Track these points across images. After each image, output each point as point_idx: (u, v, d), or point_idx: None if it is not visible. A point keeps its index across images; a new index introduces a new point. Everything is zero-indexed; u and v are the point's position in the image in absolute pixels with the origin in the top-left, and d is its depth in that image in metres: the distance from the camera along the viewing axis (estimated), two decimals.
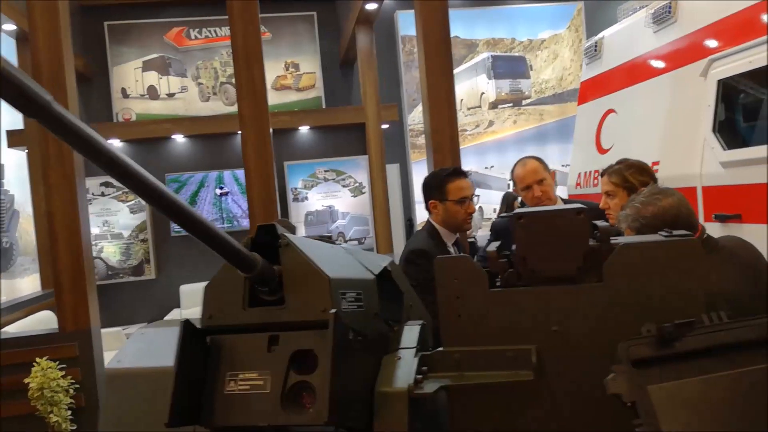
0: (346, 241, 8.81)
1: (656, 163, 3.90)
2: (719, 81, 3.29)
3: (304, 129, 9.22)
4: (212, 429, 0.99)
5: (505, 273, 1.14)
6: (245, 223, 8.69)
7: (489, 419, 1.10)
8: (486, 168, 11.41)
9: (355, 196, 9.17)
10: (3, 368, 4.28)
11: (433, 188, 2.67)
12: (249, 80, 4.02)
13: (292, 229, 1.10)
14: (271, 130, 4.30)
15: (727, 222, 3.23)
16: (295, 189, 9.03)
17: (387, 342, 1.16)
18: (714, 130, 3.32)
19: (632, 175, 2.39)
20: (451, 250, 2.64)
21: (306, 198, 9.01)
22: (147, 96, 9.96)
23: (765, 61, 2.94)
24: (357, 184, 9.19)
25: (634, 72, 4.33)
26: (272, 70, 10.55)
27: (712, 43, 3.41)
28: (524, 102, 14.17)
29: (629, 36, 4.50)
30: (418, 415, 1.06)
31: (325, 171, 9.10)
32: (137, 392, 1.14)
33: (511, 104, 14.58)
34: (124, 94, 9.82)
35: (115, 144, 8.50)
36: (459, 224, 2.64)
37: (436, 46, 4.15)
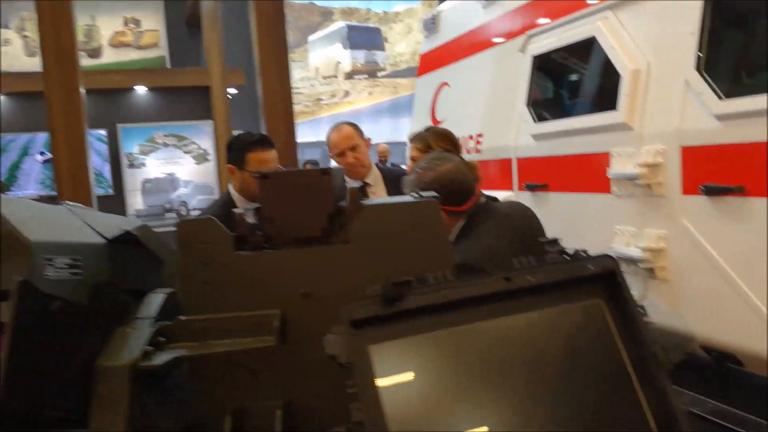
0: (189, 211, 8.42)
1: (480, 135, 4.08)
2: (534, 56, 3.49)
3: (141, 90, 8.61)
4: None
5: (252, 235, 1.08)
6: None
7: (234, 389, 1.04)
8: None
9: (198, 164, 8.77)
10: None
11: (234, 152, 2.49)
12: (52, 30, 3.62)
13: (3, 187, 0.96)
14: (83, 91, 3.90)
15: (536, 191, 3.45)
16: (131, 154, 8.44)
17: (126, 314, 1.06)
18: (527, 104, 3.52)
19: (435, 142, 2.45)
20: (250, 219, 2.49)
21: (143, 164, 8.46)
22: None
23: (574, 38, 3.14)
24: (201, 151, 8.78)
25: (465, 46, 4.48)
26: (109, 26, 9.75)
27: (530, 20, 3.60)
28: (379, 74, 14.33)
29: (462, 10, 4.63)
30: (151, 391, 0.98)
31: (165, 136, 8.58)
32: None
33: (366, 75, 14.67)
34: None
35: None
36: (254, 196, 2.48)
37: (268, 10, 4.00)
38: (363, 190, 1.17)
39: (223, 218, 1.12)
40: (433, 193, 1.14)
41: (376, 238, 1.07)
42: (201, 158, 8.86)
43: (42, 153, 8.11)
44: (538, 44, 3.51)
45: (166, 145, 8.60)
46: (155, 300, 1.09)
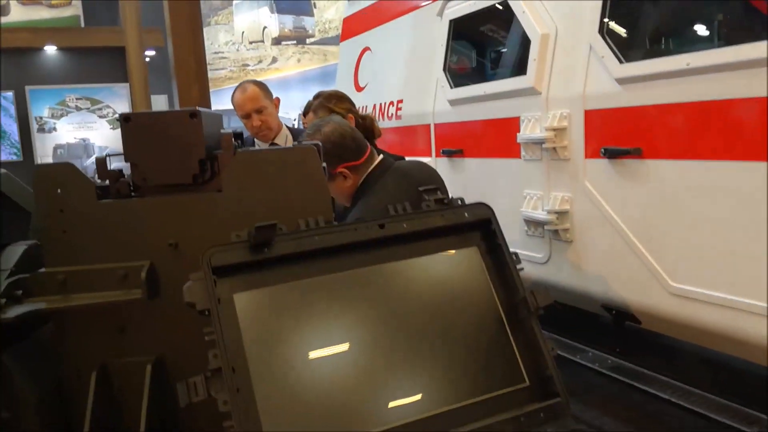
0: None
1: (400, 101, 4.06)
2: (451, 21, 3.48)
3: (50, 50, 8.10)
4: None
5: (116, 182, 1.03)
6: None
7: (100, 345, 0.99)
8: None
9: (114, 129, 8.38)
10: None
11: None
12: None
13: None
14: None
15: (453, 157, 3.48)
16: (41, 118, 7.97)
17: None
18: (444, 69, 3.52)
19: (336, 105, 2.43)
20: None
21: (54, 129, 8.01)
22: None
23: (489, 3, 3.15)
24: (116, 115, 8.38)
25: (386, 10, 4.42)
26: None
27: None
28: (308, 41, 14.04)
29: None
30: (5, 346, 0.92)
31: (78, 99, 8.14)
32: None
33: (294, 42, 14.35)
34: None
35: None
36: None
37: None
38: (239, 137, 1.13)
39: None
40: (316, 142, 1.12)
41: (251, 186, 1.04)
42: (116, 123, 8.47)
43: None
44: (454, 8, 3.50)
45: (78, 108, 8.15)
46: (14, 252, 1.03)
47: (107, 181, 1.06)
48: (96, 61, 8.29)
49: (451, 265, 1.05)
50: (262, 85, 2.75)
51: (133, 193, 1.05)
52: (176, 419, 1.01)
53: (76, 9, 9.42)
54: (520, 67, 2.90)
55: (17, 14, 9.06)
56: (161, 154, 1.02)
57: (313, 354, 0.91)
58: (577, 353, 3.01)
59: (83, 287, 0.99)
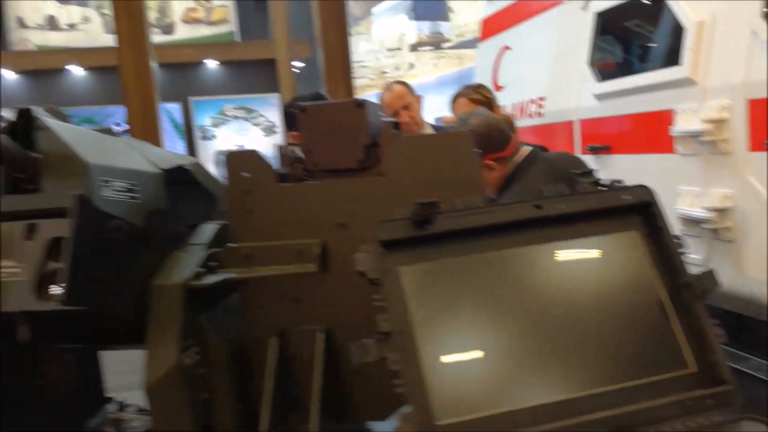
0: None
1: (542, 98, 3.99)
2: (597, 14, 3.37)
3: (211, 64, 8.87)
4: None
5: (293, 168, 1.14)
6: None
7: (278, 313, 1.11)
8: None
9: (266, 135, 9.00)
10: None
11: (293, 117, 2.59)
12: (124, 7, 3.80)
13: (64, 118, 1.05)
14: (154, 64, 4.08)
15: (599, 153, 3.36)
16: (203, 127, 8.75)
17: (181, 241, 1.14)
18: (590, 63, 3.41)
19: (483, 92, 2.48)
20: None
21: (214, 136, 8.75)
22: (47, 27, 9.29)
23: None
24: (269, 123, 8.99)
25: (527, 8, 4.38)
26: (182, 2, 10.04)
27: None
28: (444, 45, 14.14)
29: None
30: (204, 310, 1.05)
31: (235, 108, 8.84)
32: None
33: (431, 47, 14.52)
34: (21, 24, 9.12)
35: (9, 75, 7.94)
36: None
37: None
38: (397, 125, 1.20)
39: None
40: (467, 128, 1.16)
41: (410, 170, 1.10)
42: (268, 130, 9.09)
43: (118, 124, 8.50)
44: (601, 1, 3.39)
45: (236, 117, 8.87)
46: (207, 229, 1.17)
47: (285, 167, 1.17)
48: (250, 73, 8.96)
49: (610, 248, 1.04)
50: (406, 84, 2.86)
51: (306, 178, 1.15)
52: (342, 382, 1.09)
53: (232, 25, 10.23)
54: (672, 57, 2.75)
55: (182, 32, 10.02)
56: (331, 141, 1.11)
57: (472, 325, 0.95)
58: (739, 361, 2.79)
59: (265, 261, 1.10)
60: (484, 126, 1.81)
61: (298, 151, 1.12)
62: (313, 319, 1.10)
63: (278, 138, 9.08)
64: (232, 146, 8.85)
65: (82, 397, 1.28)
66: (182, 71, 7.73)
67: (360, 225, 1.09)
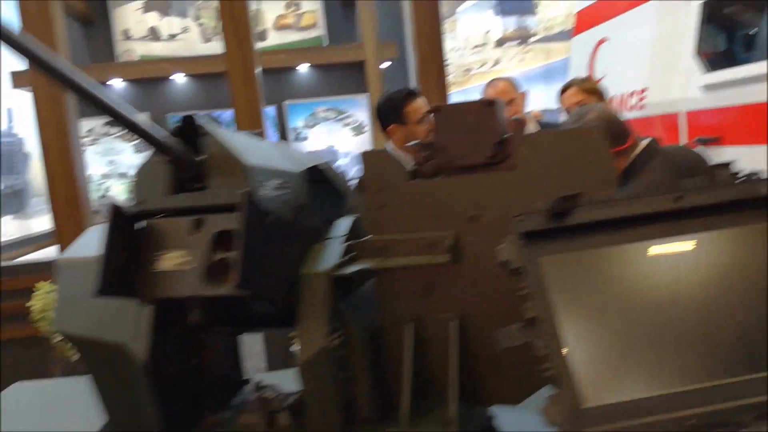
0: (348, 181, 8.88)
1: (643, 90, 3.89)
2: (703, 3, 3.24)
3: (303, 68, 9.16)
4: (144, 302, 1.08)
5: (425, 165, 1.20)
6: None
7: (412, 301, 1.17)
8: None
9: (356, 135, 9.19)
10: (5, 294, 4.51)
11: (390, 113, 2.64)
12: (231, 17, 4.01)
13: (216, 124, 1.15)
14: (259, 69, 4.30)
15: (709, 145, 3.23)
16: (296, 129, 9.05)
17: (318, 234, 1.22)
18: (696, 53, 3.29)
19: (592, 83, 2.50)
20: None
21: (307, 137, 9.04)
22: (149, 37, 9.89)
23: None
24: (357, 124, 9.18)
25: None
26: (273, 10, 10.41)
27: None
28: (531, 40, 13.88)
29: None
30: (343, 297, 1.13)
31: (325, 110, 9.09)
32: (84, 280, 1.20)
33: (517, 42, 14.29)
34: (126, 36, 9.76)
35: (117, 84, 8.52)
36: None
37: None
38: (522, 123, 1.24)
39: None
40: (597, 123, 1.18)
41: (540, 165, 1.13)
42: (357, 130, 9.28)
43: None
44: None
45: (326, 119, 9.11)
46: (343, 223, 1.25)
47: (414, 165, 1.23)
48: (339, 76, 9.17)
49: (748, 241, 1.04)
50: (510, 80, 2.88)
51: (436, 174, 1.20)
52: (474, 368, 1.14)
53: (320, 29, 10.49)
54: None
55: (274, 38, 10.38)
56: (463, 138, 1.16)
57: (608, 313, 0.97)
58: None
59: (398, 252, 1.16)
60: (603, 120, 1.81)
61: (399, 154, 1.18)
62: (444, 307, 1.16)
63: (367, 137, 9.25)
64: (323, 146, 9.11)
65: (227, 377, 1.39)
66: (276, 76, 8.02)
67: (491, 218, 1.13)
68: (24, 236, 7.92)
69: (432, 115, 1.17)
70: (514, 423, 1.26)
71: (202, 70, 8.72)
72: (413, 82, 10.24)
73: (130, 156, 8.80)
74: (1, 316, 4.58)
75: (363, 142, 9.29)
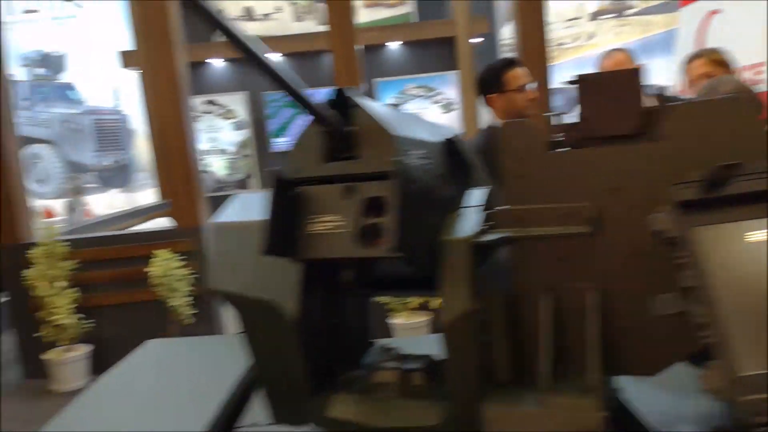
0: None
1: (760, 64, 3.66)
2: None
3: (393, 45, 9.17)
4: (299, 261, 1.15)
5: (565, 135, 1.21)
6: None
7: (548, 270, 1.18)
8: None
9: (445, 113, 9.15)
10: (127, 260, 4.88)
11: (490, 81, 2.68)
12: None
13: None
14: (360, 47, 4.39)
15: None
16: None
17: (453, 203, 1.26)
18: None
19: (721, 55, 2.39)
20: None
21: None
22: (244, 17, 10.19)
23: None
24: (447, 101, 9.13)
25: None
26: None
27: None
28: (628, 12, 13.25)
29: None
30: (481, 265, 1.16)
31: (415, 87, 9.09)
32: (238, 242, 1.29)
33: (613, 14, 13.68)
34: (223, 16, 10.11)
35: (217, 63, 8.86)
36: (521, 112, 2.67)
37: None
38: (664, 94, 1.22)
39: (489, 146, 1.26)
40: (748, 93, 1.15)
41: (688, 136, 1.11)
42: (447, 107, 9.23)
43: None
44: None
45: (416, 96, 9.12)
46: (477, 194, 1.28)
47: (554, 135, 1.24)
48: (429, 52, 9.14)
49: None
50: (627, 51, 2.81)
51: (576, 144, 1.20)
52: (610, 338, 1.15)
53: (409, 6, 10.45)
54: None
55: (363, 16, 10.44)
56: (607, 108, 1.15)
57: (763, 285, 0.96)
58: None
59: (537, 222, 1.18)
60: (736, 91, 1.75)
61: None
62: (581, 277, 1.17)
63: (456, 114, 9.19)
64: None
65: (358, 338, 1.46)
66: (366, 53, 8.10)
67: (633, 190, 1.13)
68: (134, 208, 8.45)
69: (575, 85, 1.18)
70: (639, 395, 1.27)
71: (297, 49, 8.93)
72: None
73: (229, 133, 9.16)
74: (123, 280, 4.95)
75: (452, 120, 9.23)
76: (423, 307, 4.73)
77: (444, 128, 1.40)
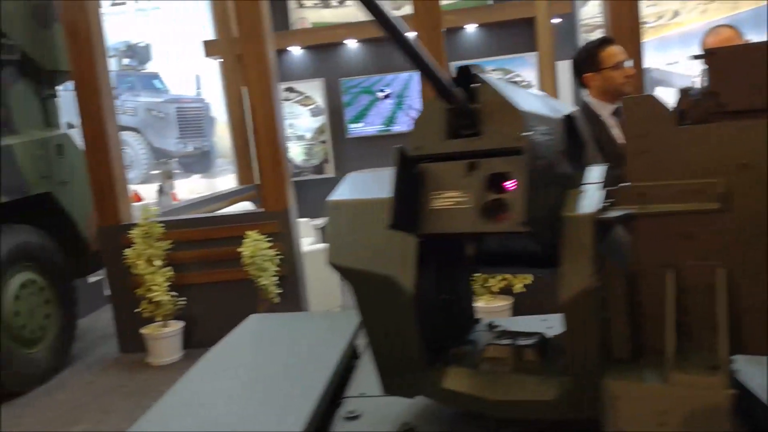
0: None
1: None
2: None
3: (471, 28, 9.06)
4: (421, 237, 1.18)
5: (693, 110, 1.18)
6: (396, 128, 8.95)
7: (672, 246, 1.17)
8: (669, 64, 10.39)
9: None
10: (217, 241, 5.13)
11: (586, 61, 2.72)
12: None
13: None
14: (444, 30, 4.40)
15: None
16: None
17: (572, 180, 1.26)
18: None
19: None
20: (608, 121, 2.66)
21: None
22: (320, 4, 10.31)
23: None
24: (525, 83, 8.95)
25: None
26: None
27: None
28: None
29: None
30: (603, 241, 1.16)
31: (493, 70, 8.95)
32: (356, 219, 1.33)
33: None
34: (299, 4, 10.25)
35: (295, 50, 9.04)
36: (619, 89, 2.69)
37: None
38: None
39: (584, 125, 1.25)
40: None
41: None
42: (526, 89, 9.05)
43: (381, 90, 9.16)
44: None
45: None
46: (596, 171, 1.27)
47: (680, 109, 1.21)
48: (506, 34, 8.97)
49: None
50: (734, 29, 2.71)
51: (705, 120, 1.17)
52: (734, 317, 1.12)
53: None
54: None
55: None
56: (740, 82, 1.12)
57: None
58: None
59: (659, 199, 1.16)
60: None
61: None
62: (706, 255, 1.14)
63: None
64: None
65: (465, 314, 1.49)
66: (446, 37, 8.06)
67: (763, 166, 1.10)
68: (218, 192, 8.78)
69: (704, 60, 1.15)
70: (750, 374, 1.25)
71: (375, 35, 8.97)
72: (581, 40, 9.73)
73: (307, 119, 9.34)
74: (213, 260, 5.19)
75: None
76: (505, 291, 4.72)
77: (562, 104, 1.39)
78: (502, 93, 1.12)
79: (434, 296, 1.31)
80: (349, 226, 1.31)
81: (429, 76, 1.06)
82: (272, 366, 1.65)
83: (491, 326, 1.47)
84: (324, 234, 8.60)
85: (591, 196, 1.19)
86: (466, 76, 1.15)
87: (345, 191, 1.39)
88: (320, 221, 8.65)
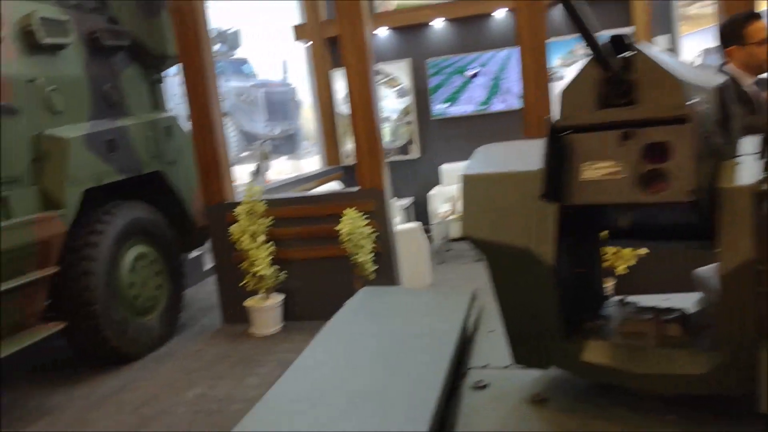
0: None
1: None
2: None
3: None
4: (568, 208, 1.19)
5: None
6: (485, 107, 8.81)
7: None
8: None
9: None
10: (315, 218, 5.29)
11: (732, 34, 2.74)
12: None
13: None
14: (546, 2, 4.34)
15: None
16: (551, 68, 8.77)
17: (725, 151, 1.22)
18: None
19: None
20: (748, 89, 2.68)
21: (562, 77, 8.74)
22: None
23: None
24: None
25: None
26: None
27: None
28: None
29: None
30: (760, 215, 1.12)
31: (585, 47, 8.62)
32: (492, 192, 1.34)
33: None
34: None
35: (383, 32, 9.08)
36: (761, 65, 2.72)
37: None
38: None
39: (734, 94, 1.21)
40: None
41: None
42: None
43: (470, 69, 9.05)
44: None
45: (585, 56, 8.68)
46: (753, 141, 1.23)
47: None
48: (600, 11, 8.63)
49: None
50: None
51: None
52: None
53: None
54: None
55: None
56: None
57: None
58: None
59: None
60: None
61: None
62: None
63: None
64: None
65: (596, 288, 1.48)
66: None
67: None
68: (310, 173, 9.00)
69: None
70: None
71: (461, 14, 8.86)
72: (676, 16, 9.23)
73: (392, 100, 9.37)
74: (312, 237, 5.37)
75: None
76: (605, 273, 4.62)
77: (715, 75, 1.35)
78: (659, 62, 1.11)
79: (568, 269, 1.31)
80: (484, 199, 1.31)
81: (589, 43, 1.07)
82: (394, 337, 1.67)
83: (623, 302, 1.46)
84: (424, 212, 8.62)
85: (749, 167, 1.16)
86: (619, 45, 1.15)
87: (477, 164, 1.40)
88: (406, 201, 8.70)
